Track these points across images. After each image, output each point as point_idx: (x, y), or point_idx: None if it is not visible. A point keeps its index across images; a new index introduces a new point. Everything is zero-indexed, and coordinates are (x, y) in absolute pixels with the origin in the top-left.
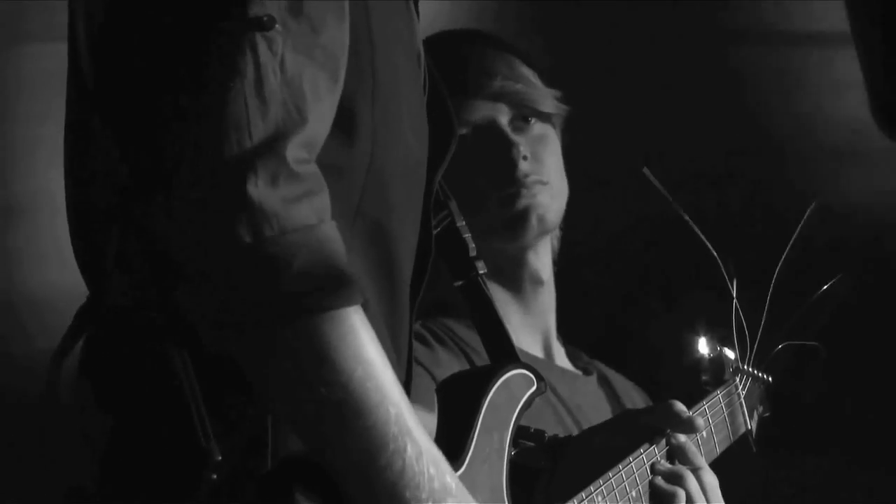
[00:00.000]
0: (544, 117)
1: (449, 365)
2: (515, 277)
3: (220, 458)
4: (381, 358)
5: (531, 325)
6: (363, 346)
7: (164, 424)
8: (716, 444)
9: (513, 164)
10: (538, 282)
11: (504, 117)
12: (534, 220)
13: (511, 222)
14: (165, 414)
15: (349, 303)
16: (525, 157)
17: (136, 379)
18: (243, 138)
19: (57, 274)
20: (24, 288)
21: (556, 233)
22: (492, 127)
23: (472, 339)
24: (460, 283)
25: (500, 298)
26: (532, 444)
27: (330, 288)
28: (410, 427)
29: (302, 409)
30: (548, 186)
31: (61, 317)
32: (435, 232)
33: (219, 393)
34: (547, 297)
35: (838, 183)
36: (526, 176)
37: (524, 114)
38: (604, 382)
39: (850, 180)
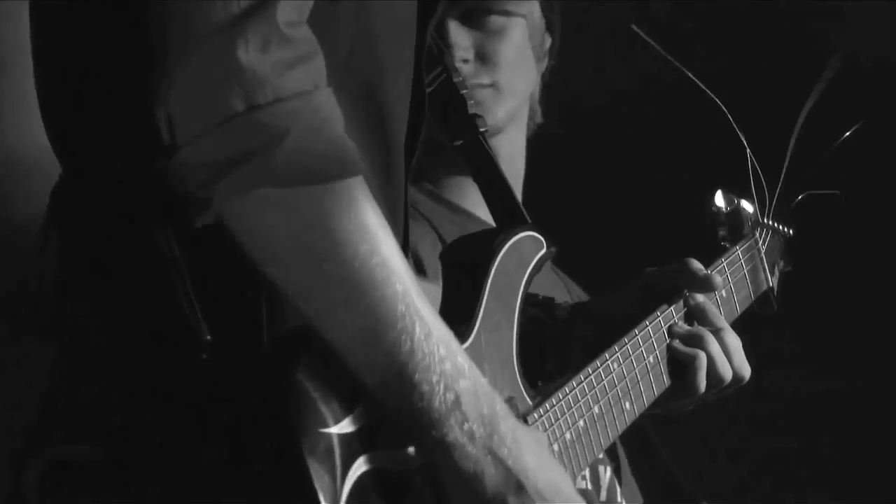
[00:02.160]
0: (505, 13)
1: (422, 241)
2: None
3: (209, 337)
4: (386, 232)
5: None
6: (366, 220)
7: (149, 306)
8: (736, 304)
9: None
10: (513, 171)
11: (454, 13)
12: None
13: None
14: (151, 295)
15: (350, 173)
16: (466, 60)
17: (117, 260)
18: (230, 3)
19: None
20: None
21: (537, 120)
22: (438, 28)
23: (436, 211)
24: (459, 142)
25: (469, 191)
26: (542, 311)
27: (329, 158)
28: (418, 305)
29: (302, 287)
30: (492, 88)
31: (49, 181)
32: (429, 90)
33: (207, 272)
34: (517, 185)
35: (863, 32)
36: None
37: (481, 8)
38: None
39: (876, 30)
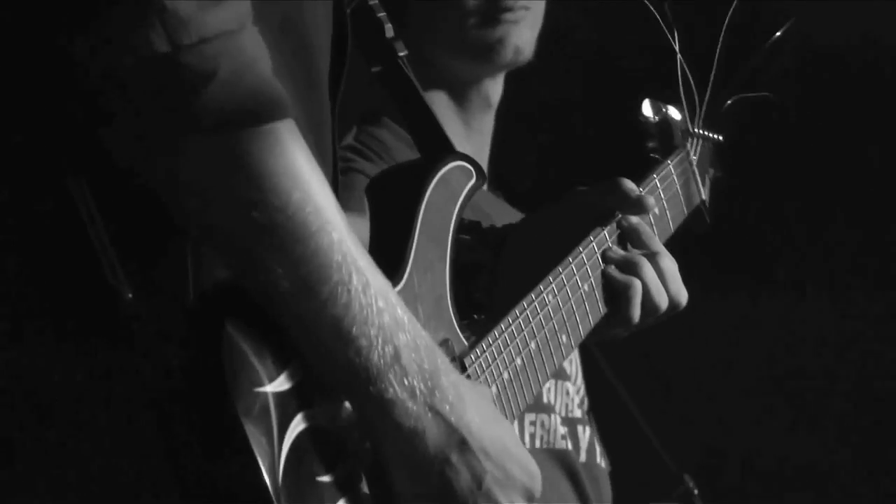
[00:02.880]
0: None
1: None
2: (465, 95)
3: (131, 294)
4: (319, 178)
5: (472, 145)
6: (298, 166)
7: (65, 264)
8: (669, 221)
9: None
10: (488, 105)
11: None
12: (510, 52)
13: (484, 50)
14: (66, 252)
15: (280, 116)
16: None
17: (31, 217)
18: None
19: None
20: None
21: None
22: None
23: (404, 152)
24: (378, 68)
25: (443, 113)
26: (468, 237)
27: (258, 101)
28: (355, 255)
29: (231, 237)
30: (530, 13)
31: None
32: (348, 10)
33: (126, 226)
34: (489, 123)
35: None
36: None
37: None
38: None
39: None
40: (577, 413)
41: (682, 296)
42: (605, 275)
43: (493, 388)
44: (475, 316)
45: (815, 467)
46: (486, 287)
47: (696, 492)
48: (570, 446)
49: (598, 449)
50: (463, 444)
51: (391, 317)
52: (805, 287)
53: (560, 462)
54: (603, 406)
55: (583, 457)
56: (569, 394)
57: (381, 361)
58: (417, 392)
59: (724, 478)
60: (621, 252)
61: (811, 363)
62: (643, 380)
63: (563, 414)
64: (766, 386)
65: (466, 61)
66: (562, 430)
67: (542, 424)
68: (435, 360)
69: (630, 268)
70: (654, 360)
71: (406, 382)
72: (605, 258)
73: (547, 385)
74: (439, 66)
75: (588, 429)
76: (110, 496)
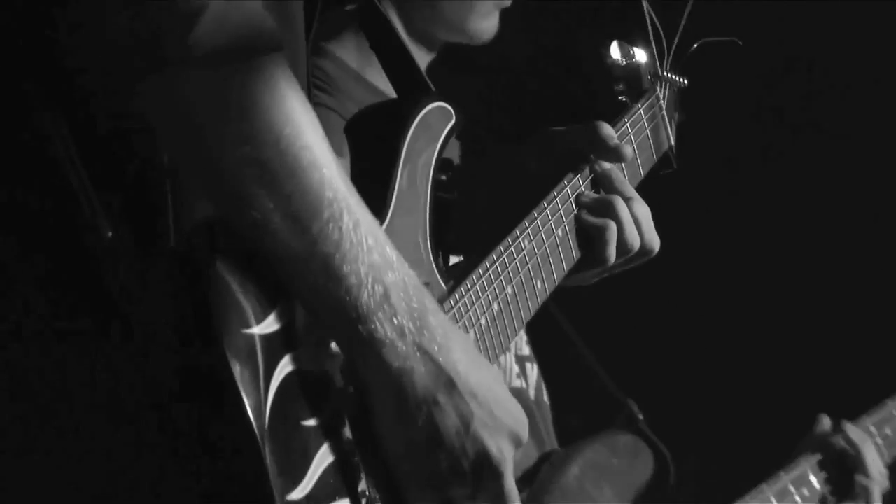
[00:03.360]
0: None
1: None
2: (434, 39)
3: (111, 233)
4: (309, 114)
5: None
6: (290, 101)
7: (43, 202)
8: (640, 166)
9: None
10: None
11: None
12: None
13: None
14: (44, 191)
15: (271, 48)
16: None
17: (6, 154)
18: None
19: None
20: None
21: None
22: None
23: (340, 83)
24: (352, 5)
25: (419, 55)
26: (443, 177)
27: (250, 33)
28: (346, 193)
29: (223, 171)
30: None
31: None
32: None
33: (104, 164)
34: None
35: None
36: None
37: None
38: None
39: None
40: (526, 350)
41: (655, 242)
42: (578, 219)
43: (471, 334)
44: (448, 257)
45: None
46: (459, 226)
47: (640, 416)
48: (524, 384)
49: (544, 388)
50: (451, 386)
51: (381, 255)
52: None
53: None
54: (544, 340)
55: (532, 394)
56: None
57: (371, 300)
58: (406, 331)
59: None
60: (595, 195)
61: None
62: (582, 308)
63: (514, 352)
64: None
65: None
66: (515, 368)
67: (499, 364)
68: (423, 299)
69: (604, 210)
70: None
71: (395, 322)
72: (579, 203)
73: None
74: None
75: (535, 366)
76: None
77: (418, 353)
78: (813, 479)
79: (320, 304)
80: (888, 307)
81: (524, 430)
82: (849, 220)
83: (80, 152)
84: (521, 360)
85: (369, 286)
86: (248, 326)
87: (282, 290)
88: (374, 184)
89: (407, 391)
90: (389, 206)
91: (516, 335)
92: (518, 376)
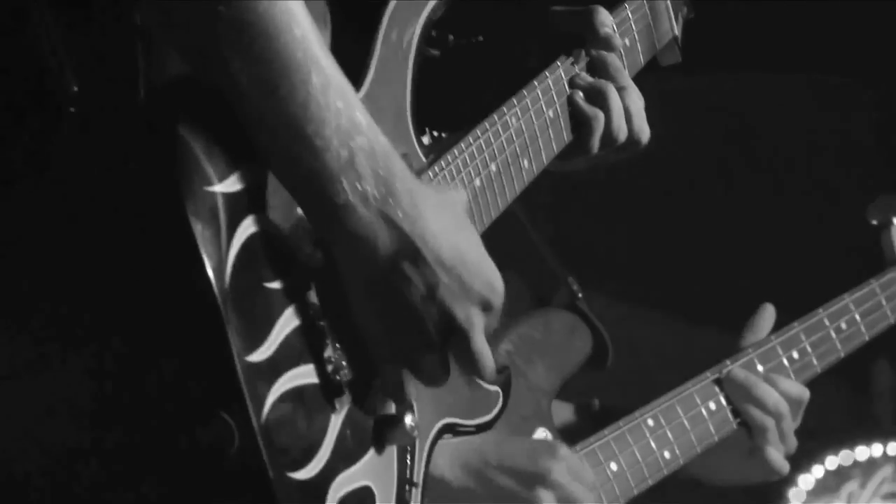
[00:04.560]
0: None
1: None
2: None
3: (77, 88)
4: None
5: None
6: None
7: (6, 56)
8: (640, 55)
9: None
10: None
11: None
12: None
13: None
14: (7, 43)
15: None
16: None
17: None
18: None
19: None
20: None
21: None
22: None
23: None
24: None
25: None
26: (436, 51)
27: None
28: (318, 55)
29: (195, 29)
30: None
31: None
32: None
33: (72, 15)
34: None
35: None
36: None
37: None
38: None
39: None
40: None
41: (644, 134)
42: (571, 101)
43: None
44: (434, 133)
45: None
46: (449, 102)
47: (580, 295)
48: None
49: None
50: (416, 254)
51: (349, 119)
52: None
53: None
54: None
55: None
56: None
57: (336, 164)
58: (370, 198)
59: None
60: (590, 79)
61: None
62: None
63: None
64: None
65: None
66: None
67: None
68: (391, 166)
69: (596, 98)
70: None
71: (359, 187)
72: (573, 84)
73: None
74: None
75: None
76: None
77: (382, 220)
78: (717, 392)
79: (286, 165)
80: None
81: (497, 297)
82: None
83: (49, 6)
84: None
85: (335, 149)
86: (210, 184)
87: (247, 151)
88: (353, 53)
89: (370, 258)
90: (368, 75)
91: (499, 212)
92: None
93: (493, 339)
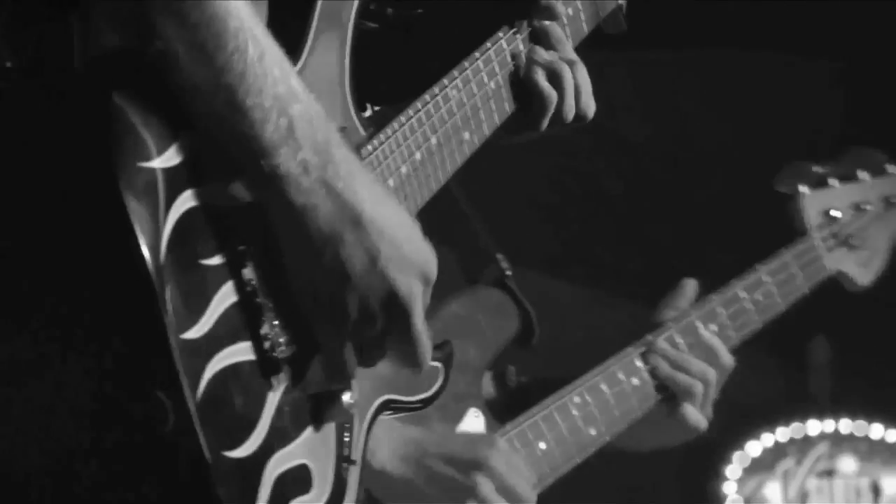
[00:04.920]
0: None
1: None
2: None
3: (10, 64)
4: None
5: None
6: None
7: None
8: (583, 23)
9: None
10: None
11: None
12: None
13: None
14: None
15: None
16: None
17: None
18: None
19: None
20: None
21: None
22: None
23: None
24: None
25: None
26: (374, 24)
27: None
28: (252, 24)
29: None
30: None
31: None
32: None
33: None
34: None
35: None
36: None
37: None
38: None
39: None
40: None
41: (591, 108)
42: (528, 78)
43: (391, 182)
44: (375, 107)
45: None
46: (387, 75)
47: (508, 272)
48: None
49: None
50: (356, 222)
51: (286, 87)
52: None
53: None
54: None
55: None
56: None
57: (275, 134)
58: (310, 167)
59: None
60: (547, 56)
61: None
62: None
63: None
64: None
65: None
66: None
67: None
68: (329, 133)
69: (553, 77)
70: None
71: (299, 156)
72: (532, 60)
73: None
74: None
75: None
76: None
77: (323, 189)
78: (641, 367)
79: (224, 137)
80: None
81: (433, 269)
82: None
83: None
84: None
85: (274, 119)
86: (148, 159)
87: (185, 123)
88: (290, 24)
89: (312, 228)
90: (306, 43)
91: (440, 185)
92: None
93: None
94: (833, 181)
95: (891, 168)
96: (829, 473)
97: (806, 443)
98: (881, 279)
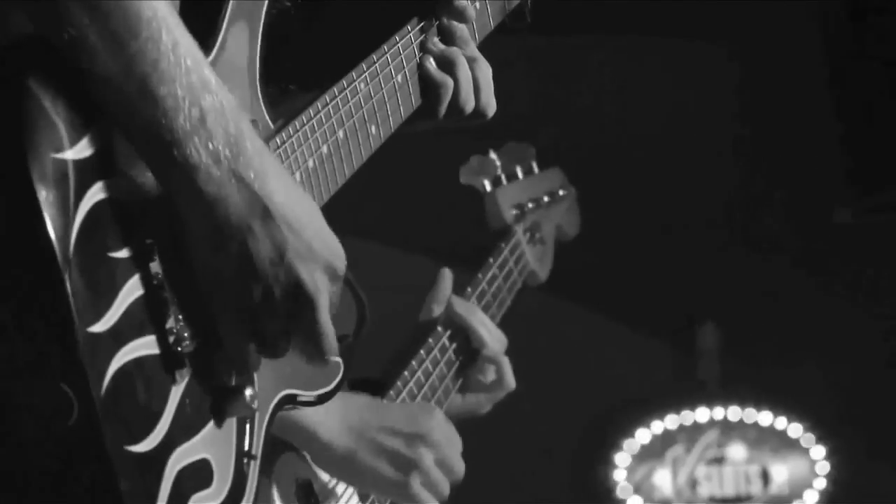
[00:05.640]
0: None
1: None
2: None
3: None
4: None
5: None
6: None
7: None
8: (489, 18)
9: None
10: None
11: None
12: None
13: None
14: None
15: None
16: None
17: None
18: None
19: None
20: None
21: None
22: None
23: None
24: None
25: None
26: (289, 4)
27: None
28: (165, 13)
29: None
30: None
31: None
32: None
33: None
34: None
35: None
36: None
37: None
38: None
39: None
40: None
41: (491, 106)
42: (421, 66)
43: (298, 175)
44: (287, 86)
45: None
46: (299, 59)
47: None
48: None
49: None
50: (266, 214)
51: (199, 77)
52: None
53: None
54: None
55: None
56: None
57: (187, 124)
58: (222, 157)
59: None
60: (441, 46)
61: None
62: None
63: None
64: None
65: None
66: None
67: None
68: (240, 124)
69: (446, 65)
70: None
71: (210, 147)
72: (425, 49)
73: None
74: None
75: None
76: None
77: (233, 180)
78: (448, 345)
79: (136, 126)
80: None
81: (341, 264)
82: None
83: None
84: None
85: (186, 109)
86: (61, 150)
87: (97, 114)
88: (203, 12)
89: (221, 219)
90: (218, 35)
91: (345, 180)
92: None
93: None
94: (519, 174)
95: (537, 167)
96: (719, 461)
97: (695, 430)
98: (764, 266)
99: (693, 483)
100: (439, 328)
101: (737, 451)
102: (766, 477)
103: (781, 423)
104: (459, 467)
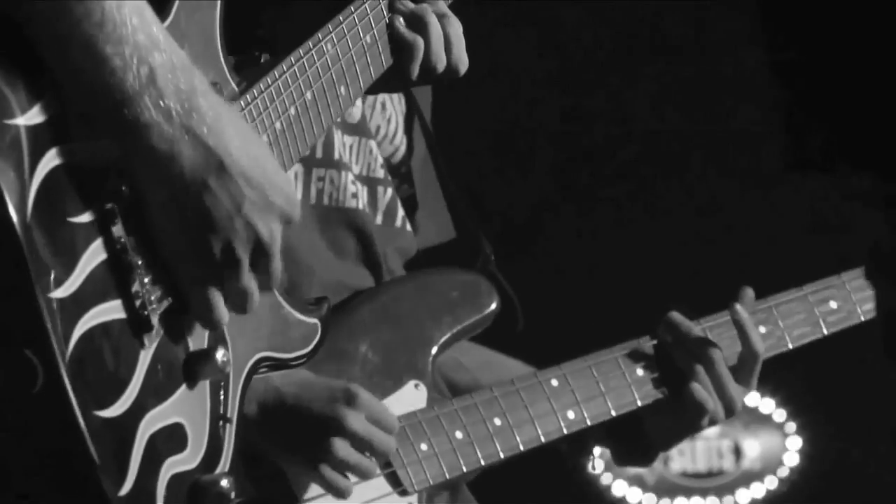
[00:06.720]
0: None
1: None
2: None
3: None
4: None
5: None
6: None
7: None
8: None
9: None
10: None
11: None
12: None
13: None
14: None
15: None
16: None
17: None
18: None
19: None
20: None
21: None
22: None
23: None
24: None
25: None
26: None
27: None
28: None
29: None
30: None
31: None
32: None
33: None
34: None
35: None
36: None
37: None
38: None
39: None
40: (380, 173)
41: (462, 63)
42: (391, 25)
43: (265, 137)
44: (256, 53)
45: None
46: (270, 23)
47: (492, 257)
48: (362, 206)
49: (399, 213)
50: (221, 168)
51: (146, 35)
52: None
53: (347, 221)
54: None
55: (379, 219)
56: (372, 152)
57: (136, 83)
58: (174, 114)
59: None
60: (411, 5)
61: None
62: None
63: (361, 172)
64: None
65: None
66: (353, 188)
67: (332, 181)
68: (192, 80)
69: (416, 24)
70: None
71: (162, 104)
72: (394, 9)
73: (344, 140)
74: None
75: (390, 190)
76: None
77: (186, 136)
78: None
79: (85, 89)
80: None
81: (296, 209)
82: None
83: None
84: (369, 181)
85: (134, 68)
86: (12, 117)
87: (49, 81)
88: None
89: (176, 175)
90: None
91: (315, 141)
92: (354, 196)
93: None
94: None
95: None
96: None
97: None
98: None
99: (666, 458)
100: None
101: None
102: (738, 452)
103: (754, 398)
104: (392, 421)
